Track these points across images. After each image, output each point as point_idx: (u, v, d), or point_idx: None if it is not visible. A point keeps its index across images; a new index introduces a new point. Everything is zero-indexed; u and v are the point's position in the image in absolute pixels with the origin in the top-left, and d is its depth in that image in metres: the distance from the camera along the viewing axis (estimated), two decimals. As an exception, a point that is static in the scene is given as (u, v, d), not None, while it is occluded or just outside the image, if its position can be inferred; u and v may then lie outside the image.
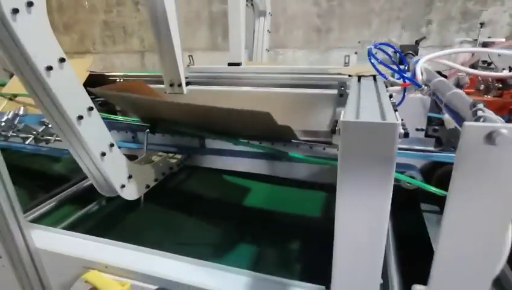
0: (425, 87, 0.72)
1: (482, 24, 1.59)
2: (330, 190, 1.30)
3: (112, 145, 0.89)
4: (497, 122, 0.40)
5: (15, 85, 1.82)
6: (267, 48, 2.27)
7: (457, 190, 0.43)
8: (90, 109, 0.81)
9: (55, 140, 1.42)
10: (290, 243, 1.06)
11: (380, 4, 2.76)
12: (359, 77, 0.85)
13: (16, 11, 0.62)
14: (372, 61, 0.83)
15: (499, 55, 1.45)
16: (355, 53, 1.69)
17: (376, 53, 1.66)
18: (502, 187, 0.41)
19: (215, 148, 1.27)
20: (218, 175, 1.44)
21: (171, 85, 1.27)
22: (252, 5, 2.16)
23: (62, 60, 0.72)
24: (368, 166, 0.47)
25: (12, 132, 1.49)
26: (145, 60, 3.74)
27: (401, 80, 0.83)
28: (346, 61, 1.76)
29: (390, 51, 1.05)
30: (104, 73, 1.70)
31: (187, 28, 3.20)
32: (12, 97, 1.66)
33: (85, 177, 1.33)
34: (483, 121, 0.41)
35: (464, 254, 0.46)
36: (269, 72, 1.35)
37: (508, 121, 0.40)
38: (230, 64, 1.80)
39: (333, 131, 0.50)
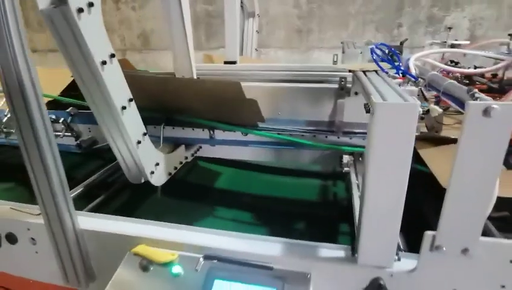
0: (421, 80, 0.88)
1: (450, 28, 1.81)
2: (331, 174, 1.46)
3: (145, 134, 0.98)
4: (491, 101, 0.55)
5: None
6: (255, 47, 2.39)
7: (462, 153, 0.58)
8: (131, 100, 0.90)
9: (64, 136, 1.46)
10: (299, 218, 1.19)
11: (356, 8, 2.98)
12: (364, 72, 1.00)
13: (80, 10, 0.70)
14: (374, 58, 0.98)
15: (465, 55, 1.68)
16: (343, 52, 1.86)
17: (361, 52, 1.84)
18: (495, 148, 0.56)
19: (224, 139, 1.37)
20: (224, 166, 1.54)
21: (183, 80, 1.36)
22: (241, 6, 2.28)
23: (112, 55, 0.80)
24: (393, 140, 0.61)
25: (12, 128, 1.50)
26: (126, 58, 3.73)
27: (397, 74, 0.99)
28: (335, 60, 1.94)
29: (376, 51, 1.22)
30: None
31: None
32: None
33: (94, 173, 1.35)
34: (480, 100, 0.57)
35: (466, 201, 0.61)
36: (270, 70, 1.48)
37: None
38: (226, 62, 1.91)
39: (368, 111, 0.63)
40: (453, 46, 1.73)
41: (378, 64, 0.97)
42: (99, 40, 0.76)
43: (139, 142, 0.95)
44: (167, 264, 0.80)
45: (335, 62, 1.92)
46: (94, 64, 0.76)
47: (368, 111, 0.63)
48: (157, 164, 1.06)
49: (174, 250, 0.83)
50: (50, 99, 1.54)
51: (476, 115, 0.55)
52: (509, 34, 1.27)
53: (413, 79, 0.92)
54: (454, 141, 0.70)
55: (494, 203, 0.63)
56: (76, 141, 1.48)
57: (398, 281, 0.72)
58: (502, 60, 1.15)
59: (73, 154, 1.58)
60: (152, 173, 1.04)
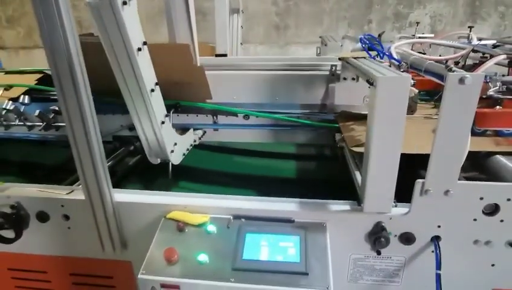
0: (404, 64, 1.06)
1: (417, 23, 2.04)
2: (323, 148, 1.63)
3: (166, 116, 1.08)
4: (464, 72, 0.73)
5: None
6: (241, 42, 2.51)
7: (445, 113, 0.75)
8: (157, 84, 1.00)
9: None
10: (306, 184, 1.34)
11: (329, 5, 3.19)
12: (356, 58, 1.16)
13: (124, 2, 0.80)
14: (364, 46, 1.15)
15: (430, 46, 1.92)
16: (325, 45, 2.04)
17: (342, 44, 2.02)
18: (468, 108, 0.74)
19: (226, 123, 1.50)
20: (225, 152, 1.66)
21: (186, 71, 1.46)
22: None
23: (145, 43, 0.91)
24: (391, 106, 0.78)
25: (19, 121, 1.52)
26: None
27: (381, 59, 1.17)
28: (318, 52, 2.12)
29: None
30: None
31: (150, 23, 3.29)
32: (7, 88, 1.67)
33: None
34: (456, 72, 0.74)
35: (447, 152, 0.79)
36: (263, 61, 1.62)
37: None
38: (217, 55, 2.02)
39: (371, 84, 0.79)
40: (420, 38, 1.96)
41: (367, 51, 1.14)
42: (136, 29, 0.86)
43: (162, 122, 1.05)
44: (201, 225, 0.92)
45: (318, 54, 2.10)
46: (132, 50, 0.86)
47: (371, 84, 0.79)
48: (175, 144, 1.17)
49: (205, 213, 0.95)
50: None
51: (454, 83, 0.72)
52: (469, 27, 1.50)
53: (396, 62, 1.09)
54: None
55: (466, 154, 0.81)
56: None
57: (395, 223, 0.89)
58: (464, 48, 1.37)
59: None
60: (172, 151, 1.15)
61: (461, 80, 0.72)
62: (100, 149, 0.90)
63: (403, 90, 0.77)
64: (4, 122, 1.56)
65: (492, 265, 0.92)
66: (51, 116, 1.52)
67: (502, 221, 0.86)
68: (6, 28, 3.78)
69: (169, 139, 1.12)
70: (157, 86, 1.00)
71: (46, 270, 1.13)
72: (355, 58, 1.17)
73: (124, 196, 1.01)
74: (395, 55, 1.15)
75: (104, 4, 0.78)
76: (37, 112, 1.47)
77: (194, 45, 1.41)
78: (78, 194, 1.02)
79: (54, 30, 0.75)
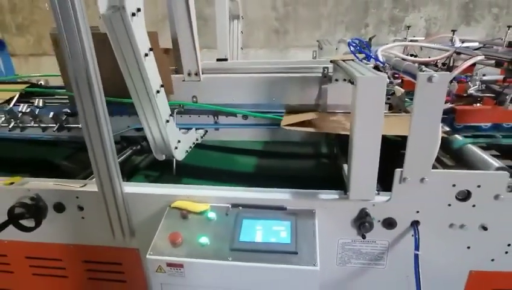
0: (387, 65, 1.16)
1: (408, 27, 2.14)
2: (316, 145, 1.72)
3: (171, 115, 1.19)
4: (432, 72, 0.82)
5: None
6: (241, 46, 2.62)
7: (417, 108, 0.85)
8: (162, 86, 1.10)
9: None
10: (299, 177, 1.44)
11: (327, 10, 3.30)
12: (344, 60, 1.26)
13: (133, 14, 0.91)
14: (351, 49, 1.25)
15: (421, 49, 2.01)
16: (321, 48, 2.14)
17: (337, 48, 2.13)
18: (437, 104, 0.84)
19: (226, 123, 1.60)
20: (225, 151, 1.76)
21: (189, 74, 1.57)
22: (227, 9, 2.50)
23: (151, 49, 1.01)
24: (370, 102, 0.87)
25: (34, 123, 1.64)
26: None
27: (368, 61, 1.27)
28: (314, 56, 2.22)
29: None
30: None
31: (153, 29, 3.41)
32: (23, 91, 1.79)
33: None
34: (426, 72, 0.84)
35: (421, 144, 0.88)
36: (262, 65, 1.72)
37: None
38: (218, 59, 2.13)
39: (352, 83, 0.89)
40: (411, 41, 2.06)
41: (354, 54, 1.24)
42: (143, 37, 0.97)
43: (167, 121, 1.16)
44: (202, 213, 1.02)
45: (314, 57, 2.20)
46: (140, 55, 0.97)
47: (352, 83, 0.89)
48: (179, 141, 1.27)
49: (206, 202, 1.05)
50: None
51: (423, 81, 0.82)
52: (452, 30, 1.59)
53: (381, 64, 1.19)
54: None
55: (439, 145, 0.91)
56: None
57: (378, 209, 0.99)
58: (447, 50, 1.47)
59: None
60: (176, 148, 1.25)
61: (429, 79, 0.81)
62: (112, 146, 1.00)
63: (380, 88, 0.86)
64: (20, 124, 1.68)
65: (468, 247, 1.00)
66: (63, 118, 1.64)
67: (474, 206, 0.94)
68: (16, 35, 3.93)
69: (173, 137, 1.22)
70: (162, 88, 1.11)
71: (61, 257, 1.24)
72: (344, 60, 1.27)
73: (132, 188, 1.11)
74: (380, 58, 1.24)
75: (115, 16, 0.89)
76: (51, 114, 1.58)
77: (196, 50, 1.52)
78: (91, 187, 1.13)
79: (73, 40, 0.86)
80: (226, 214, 1.01)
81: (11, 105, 1.74)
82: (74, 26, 0.86)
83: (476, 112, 1.20)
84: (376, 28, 3.31)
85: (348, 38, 1.88)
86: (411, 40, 2.05)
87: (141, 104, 1.09)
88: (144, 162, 1.63)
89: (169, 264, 0.90)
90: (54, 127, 1.63)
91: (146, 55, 0.99)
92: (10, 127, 1.66)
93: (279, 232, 0.94)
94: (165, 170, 1.49)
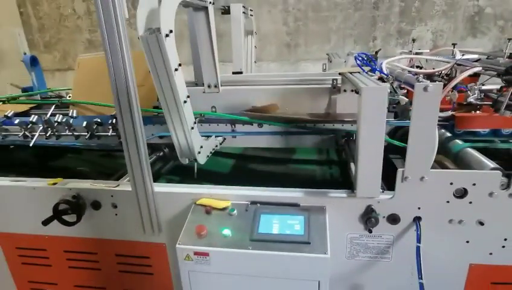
0: (390, 77, 1.28)
1: (414, 40, 2.25)
2: (327, 151, 1.83)
3: (195, 122, 1.33)
4: (428, 82, 0.94)
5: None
6: (254, 60, 2.78)
7: (415, 114, 0.96)
8: (188, 96, 1.25)
9: (110, 135, 1.77)
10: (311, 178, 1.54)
11: (336, 24, 3.45)
12: (351, 73, 1.38)
13: (167, 35, 1.06)
14: (358, 62, 1.37)
15: (427, 60, 2.12)
16: (330, 61, 2.27)
17: (345, 61, 2.25)
18: (432, 111, 0.95)
19: (243, 131, 1.73)
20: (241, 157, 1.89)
21: (209, 86, 1.72)
22: (241, 25, 2.67)
23: (179, 64, 1.16)
24: (373, 110, 0.99)
25: (69, 131, 1.80)
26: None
27: (374, 74, 1.39)
28: (324, 68, 2.35)
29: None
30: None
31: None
32: (59, 104, 1.98)
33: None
34: (422, 82, 0.95)
35: (420, 146, 0.99)
36: (275, 77, 1.86)
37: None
38: (234, 72, 2.28)
39: (357, 92, 1.01)
40: (417, 54, 2.17)
41: (360, 67, 1.36)
42: (174, 54, 1.12)
43: (192, 128, 1.29)
44: (224, 209, 1.14)
45: (324, 70, 2.33)
46: (170, 70, 1.11)
47: (357, 93, 1.01)
48: (201, 147, 1.41)
49: (228, 200, 1.17)
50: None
51: (420, 91, 0.93)
52: (452, 44, 1.70)
53: (385, 76, 1.30)
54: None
55: (436, 147, 1.01)
56: (119, 139, 1.79)
57: (383, 206, 1.09)
58: (449, 62, 1.57)
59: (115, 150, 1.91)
60: (199, 152, 1.38)
61: (425, 88, 0.93)
62: (145, 151, 1.14)
63: (382, 96, 0.98)
64: (56, 133, 1.85)
65: (467, 242, 1.09)
66: (94, 127, 1.80)
67: (470, 203, 1.04)
68: (43, 52, 4.20)
69: (197, 142, 1.35)
70: (189, 98, 1.25)
71: (96, 251, 1.37)
72: (351, 72, 1.39)
73: (161, 187, 1.24)
74: (385, 70, 1.36)
75: (152, 37, 1.04)
76: (85, 123, 1.75)
77: (216, 64, 1.67)
78: (124, 186, 1.27)
79: (117, 62, 1.01)
80: (246, 210, 1.13)
81: (48, 115, 1.91)
82: (118, 51, 1.01)
83: (474, 119, 1.30)
84: (384, 41, 3.43)
85: (356, 52, 2.01)
86: (416, 53, 2.17)
87: (170, 113, 1.23)
88: (165, 168, 1.77)
89: (196, 253, 1.02)
90: (85, 135, 1.79)
91: (176, 70, 1.13)
92: (47, 135, 1.83)
93: (293, 225, 1.05)
94: (185, 175, 1.62)
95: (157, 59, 1.10)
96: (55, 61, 4.18)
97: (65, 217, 1.25)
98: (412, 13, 3.32)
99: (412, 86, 1.01)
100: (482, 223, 1.05)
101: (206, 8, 1.57)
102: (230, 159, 1.88)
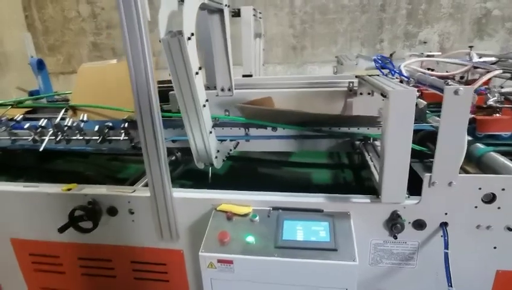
0: (412, 80, 1.26)
1: (425, 42, 2.24)
2: (342, 155, 1.81)
3: (213, 126, 1.30)
4: (458, 85, 0.92)
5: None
6: (262, 63, 2.77)
7: (444, 118, 0.94)
8: (207, 100, 1.23)
9: (123, 139, 1.74)
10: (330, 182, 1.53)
11: (343, 26, 3.44)
12: (370, 75, 1.37)
13: (189, 38, 1.04)
14: (377, 65, 1.36)
15: (438, 63, 2.11)
16: (341, 64, 2.25)
17: (357, 63, 2.24)
18: (462, 114, 0.93)
19: (257, 135, 1.71)
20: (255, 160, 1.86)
21: (222, 90, 1.69)
22: (249, 28, 2.66)
23: (200, 68, 1.14)
24: (401, 113, 0.97)
25: (79, 135, 1.78)
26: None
27: (393, 76, 1.37)
28: (335, 71, 2.34)
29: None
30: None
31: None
32: (68, 108, 1.95)
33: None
34: (452, 86, 0.93)
35: (449, 151, 0.97)
36: (286, 80, 1.85)
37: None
38: (244, 76, 2.27)
39: (384, 96, 0.99)
40: (428, 56, 2.16)
41: (380, 70, 1.35)
42: (195, 57, 1.10)
43: (210, 132, 1.27)
44: (246, 215, 1.12)
45: (335, 72, 2.32)
46: (191, 73, 1.09)
47: (384, 96, 0.99)
48: (218, 151, 1.39)
49: (248, 205, 1.15)
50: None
51: (450, 94, 0.92)
52: (469, 46, 1.69)
53: (406, 79, 1.29)
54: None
55: (465, 151, 0.99)
56: (131, 143, 1.77)
57: (408, 211, 1.07)
58: (465, 65, 1.56)
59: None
60: (216, 157, 1.36)
61: (456, 92, 0.91)
62: (165, 156, 1.12)
63: (410, 100, 0.96)
64: (67, 137, 1.83)
65: (495, 247, 1.07)
66: (105, 131, 1.78)
67: (499, 208, 1.02)
68: (48, 55, 4.18)
69: (214, 147, 1.33)
70: (207, 102, 1.23)
71: (112, 258, 1.34)
72: (370, 75, 1.37)
73: (180, 193, 1.22)
74: (404, 73, 1.34)
75: (174, 40, 1.02)
76: (97, 127, 1.73)
77: (230, 67, 1.65)
78: (141, 192, 1.24)
79: (139, 69, 1.00)
80: (268, 216, 1.11)
81: (57, 120, 1.89)
82: (141, 57, 1.00)
83: (496, 122, 1.28)
84: (391, 43, 3.42)
85: (365, 53, 1.98)
86: (428, 56, 2.15)
87: (188, 117, 1.21)
88: (175, 172, 1.75)
89: (220, 261, 0.99)
90: (97, 139, 1.77)
91: (196, 73, 1.11)
92: (57, 139, 1.81)
93: (318, 231, 1.03)
94: (197, 179, 1.60)
95: (178, 62, 1.08)
96: (59, 64, 4.16)
97: (81, 224, 1.22)
98: (419, 15, 3.31)
99: (441, 90, 0.99)
100: (510, 229, 1.03)
101: (221, 11, 1.55)
102: (245, 162, 1.86)
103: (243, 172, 1.73)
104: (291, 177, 1.65)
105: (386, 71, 1.43)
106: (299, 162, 1.77)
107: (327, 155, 1.80)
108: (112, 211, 1.26)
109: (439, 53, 2.16)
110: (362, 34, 3.44)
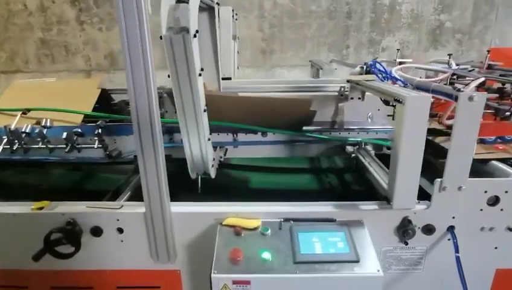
0: (410, 85, 1.27)
1: (398, 50, 2.33)
2: (334, 159, 1.80)
3: (210, 133, 1.20)
4: (471, 92, 0.93)
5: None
6: (237, 66, 2.68)
7: (458, 125, 0.95)
8: (206, 105, 1.12)
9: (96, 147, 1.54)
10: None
11: (311, 32, 3.49)
12: (368, 80, 1.36)
13: (194, 35, 0.94)
14: (374, 70, 1.36)
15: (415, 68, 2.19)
16: (320, 68, 2.26)
17: (336, 68, 2.24)
18: (475, 120, 0.94)
19: (245, 141, 1.63)
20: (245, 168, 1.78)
21: (209, 93, 1.59)
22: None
23: (202, 69, 1.04)
24: (416, 119, 0.96)
25: (42, 144, 1.55)
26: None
27: (387, 81, 1.38)
28: (315, 75, 2.34)
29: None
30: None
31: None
32: (26, 111, 1.69)
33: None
34: (465, 92, 0.95)
35: (459, 156, 0.98)
36: (267, 84, 1.80)
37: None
38: (223, 78, 2.17)
39: (399, 102, 0.97)
40: (401, 63, 2.24)
41: (377, 75, 1.35)
42: (198, 57, 0.99)
43: (208, 139, 1.17)
44: (255, 228, 1.04)
45: (314, 77, 2.32)
46: (194, 74, 0.99)
47: (399, 102, 0.97)
48: (214, 159, 1.28)
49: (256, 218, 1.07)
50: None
51: (465, 101, 0.93)
52: (448, 54, 1.78)
53: (402, 84, 1.30)
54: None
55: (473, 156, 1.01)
56: (105, 151, 1.58)
57: (419, 217, 1.07)
58: (445, 72, 1.64)
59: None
60: (212, 166, 1.25)
61: (470, 98, 0.92)
62: (164, 168, 1.00)
63: (425, 106, 0.95)
64: (24, 146, 1.58)
65: (496, 248, 1.11)
66: (74, 138, 1.57)
67: (502, 210, 1.06)
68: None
69: (211, 155, 1.23)
70: (206, 107, 1.13)
71: (92, 285, 1.17)
72: (367, 80, 1.37)
73: (179, 207, 1.09)
74: (399, 77, 1.36)
75: (177, 37, 0.91)
76: (65, 134, 1.51)
77: (219, 70, 1.56)
78: (132, 207, 1.10)
79: (138, 69, 0.87)
80: (279, 228, 1.04)
81: (13, 125, 1.63)
82: (141, 57, 0.87)
83: (484, 127, 1.35)
84: (356, 49, 3.55)
85: (332, 58, 2.00)
86: (400, 62, 2.24)
87: (186, 122, 1.10)
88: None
89: (236, 282, 0.90)
90: (64, 147, 1.55)
91: (200, 74, 1.01)
92: (14, 148, 1.56)
93: (335, 242, 0.98)
94: (183, 190, 1.47)
95: (180, 62, 0.97)
96: (1, 63, 3.68)
97: (58, 248, 1.05)
98: (382, 24, 3.48)
99: (450, 96, 1.00)
100: (510, 229, 1.08)
101: (211, 9, 1.45)
102: (234, 170, 1.76)
103: (231, 181, 1.64)
104: (281, 186, 1.60)
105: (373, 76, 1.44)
106: (289, 168, 1.73)
107: (317, 160, 1.78)
108: (96, 232, 1.10)
109: (410, 60, 2.25)
110: (329, 39, 3.53)
